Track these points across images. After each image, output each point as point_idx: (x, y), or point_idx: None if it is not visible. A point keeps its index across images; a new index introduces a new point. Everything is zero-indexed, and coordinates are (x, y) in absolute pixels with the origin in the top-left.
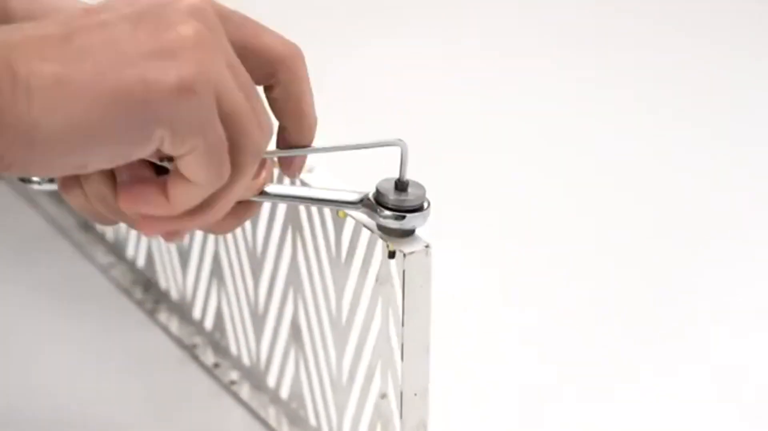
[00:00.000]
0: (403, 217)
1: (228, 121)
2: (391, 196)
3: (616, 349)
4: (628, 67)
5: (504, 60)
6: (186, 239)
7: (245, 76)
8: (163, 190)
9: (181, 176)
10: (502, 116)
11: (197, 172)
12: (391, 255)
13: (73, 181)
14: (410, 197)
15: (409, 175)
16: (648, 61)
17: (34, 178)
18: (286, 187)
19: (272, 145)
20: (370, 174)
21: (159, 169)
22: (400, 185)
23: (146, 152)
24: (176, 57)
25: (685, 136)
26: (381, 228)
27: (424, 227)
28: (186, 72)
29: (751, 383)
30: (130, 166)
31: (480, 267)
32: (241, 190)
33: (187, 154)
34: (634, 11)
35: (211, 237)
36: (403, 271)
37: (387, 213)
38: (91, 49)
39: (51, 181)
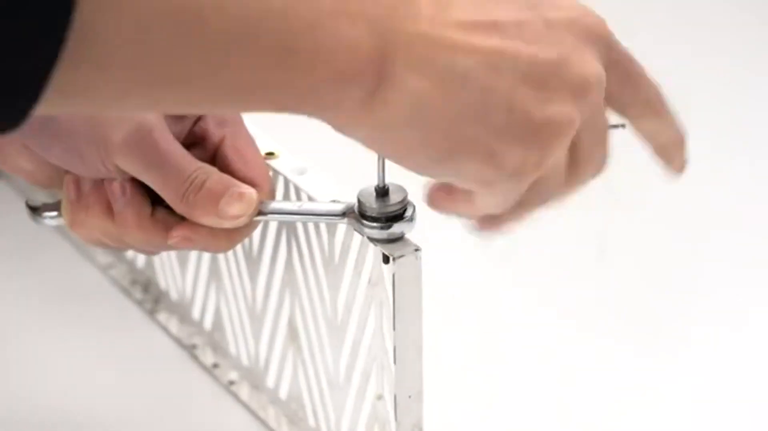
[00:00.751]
0: (389, 226)
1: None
2: (374, 205)
3: (616, 349)
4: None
5: None
6: None
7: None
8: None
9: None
10: None
11: (482, 205)
12: (386, 259)
13: (80, 218)
14: (392, 203)
15: (410, 173)
16: (648, 59)
17: (45, 213)
18: (270, 203)
19: None
20: (368, 172)
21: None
22: (381, 191)
23: (460, 181)
24: (532, 142)
25: (687, 133)
26: (369, 237)
27: (415, 229)
28: (531, 161)
29: (753, 382)
30: (124, 194)
31: (476, 267)
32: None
33: (481, 196)
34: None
35: None
36: (393, 275)
37: (372, 224)
38: (469, 81)
39: (59, 215)
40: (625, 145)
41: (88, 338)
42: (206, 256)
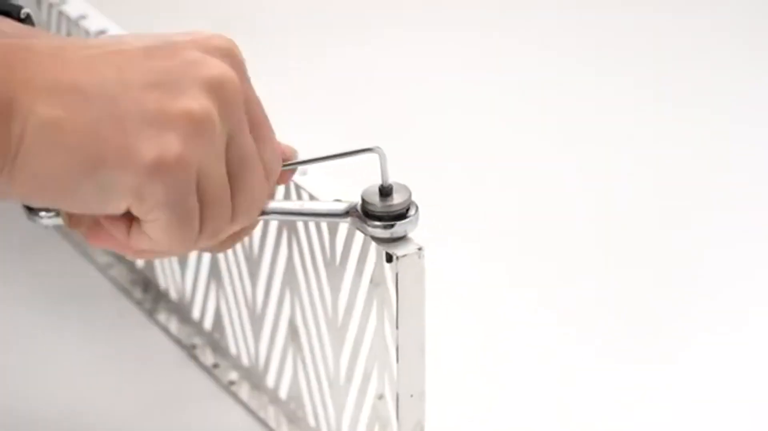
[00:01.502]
0: (392, 225)
1: (202, 201)
2: (378, 204)
3: (619, 348)
4: (628, 61)
5: (505, 57)
6: None
7: (244, 152)
8: (128, 228)
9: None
10: (504, 112)
11: (159, 237)
12: (389, 258)
13: (77, 218)
14: (396, 203)
15: (410, 173)
16: (648, 56)
17: (41, 212)
18: (272, 202)
19: None
20: (369, 172)
21: None
22: (384, 191)
23: (115, 211)
24: (166, 132)
25: (685, 132)
26: (372, 236)
27: (418, 229)
28: (168, 152)
29: (753, 382)
30: None
31: (484, 263)
32: (210, 244)
33: (151, 221)
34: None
35: None
36: (396, 274)
37: (375, 223)
38: (95, 98)
39: (57, 215)
40: (626, 145)
41: (87, 338)
42: (206, 256)
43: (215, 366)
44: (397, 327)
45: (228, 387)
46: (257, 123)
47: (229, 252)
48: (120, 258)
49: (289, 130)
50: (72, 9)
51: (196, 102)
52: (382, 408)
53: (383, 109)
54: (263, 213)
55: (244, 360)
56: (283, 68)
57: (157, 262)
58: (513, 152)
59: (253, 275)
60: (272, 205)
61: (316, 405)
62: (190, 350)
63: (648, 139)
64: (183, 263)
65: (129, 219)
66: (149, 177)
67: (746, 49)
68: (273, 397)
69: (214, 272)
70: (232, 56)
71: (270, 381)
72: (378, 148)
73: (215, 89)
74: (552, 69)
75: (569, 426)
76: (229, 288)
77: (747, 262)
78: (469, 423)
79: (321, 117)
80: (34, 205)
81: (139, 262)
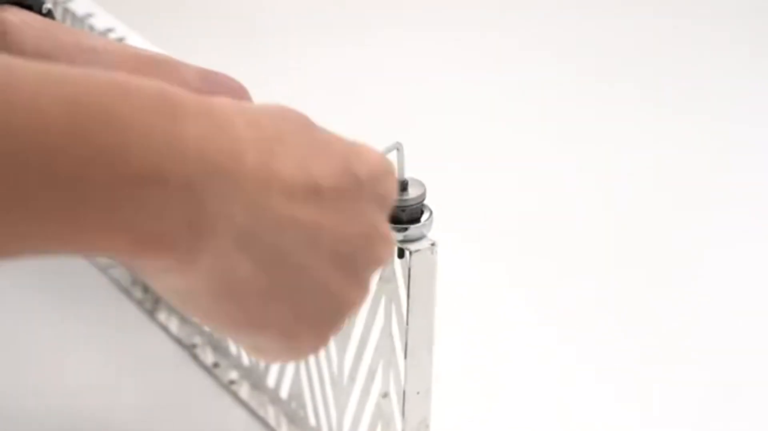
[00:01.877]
0: (406, 228)
1: None
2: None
3: (619, 348)
4: (628, 61)
5: (505, 57)
6: None
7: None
8: None
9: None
10: (504, 112)
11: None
12: (401, 254)
13: None
14: (411, 197)
15: (410, 173)
16: (648, 57)
17: None
18: None
19: None
20: None
21: None
22: (401, 185)
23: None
24: (330, 322)
25: (685, 132)
26: None
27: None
28: (323, 343)
29: (753, 382)
30: None
31: (485, 263)
32: None
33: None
34: (631, 11)
35: None
36: (409, 269)
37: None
38: (288, 254)
39: None
40: (626, 145)
41: (88, 338)
42: None
43: (215, 365)
44: (407, 323)
45: (228, 386)
46: None
47: None
48: None
49: None
50: (78, 7)
51: (365, 291)
52: (385, 407)
53: (383, 109)
54: None
55: (245, 360)
56: (283, 68)
57: None
58: (513, 152)
59: None
60: None
61: (317, 404)
62: (190, 349)
63: (648, 139)
64: None
65: None
66: (299, 356)
67: (746, 50)
68: (273, 397)
69: None
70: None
71: (271, 380)
72: (399, 143)
73: (376, 272)
74: (552, 69)
75: (569, 425)
76: None
77: (747, 262)
78: (469, 422)
79: (321, 117)
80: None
81: None
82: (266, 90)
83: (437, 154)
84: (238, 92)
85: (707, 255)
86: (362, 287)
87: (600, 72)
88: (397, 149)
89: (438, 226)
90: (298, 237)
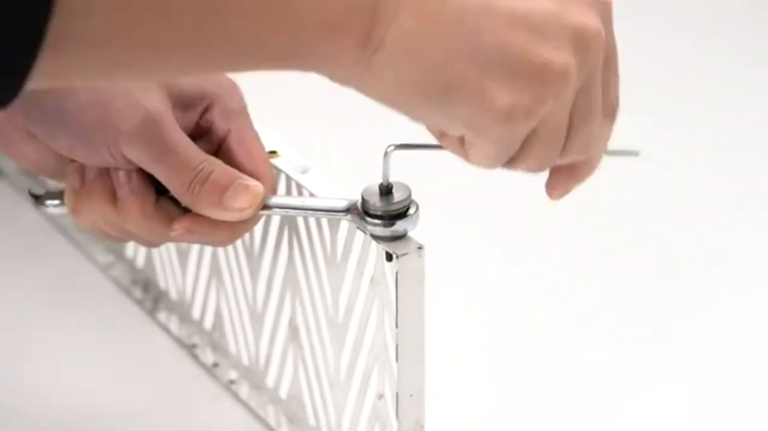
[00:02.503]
0: (392, 223)
1: (534, 137)
2: (377, 203)
3: (619, 348)
4: (628, 62)
5: None
6: None
7: (590, 103)
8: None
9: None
10: None
11: (475, 158)
12: (389, 257)
13: (83, 205)
14: (396, 201)
15: (413, 172)
16: (649, 58)
17: (47, 201)
18: (273, 197)
19: None
20: (370, 171)
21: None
22: (385, 189)
23: (449, 132)
24: (522, 81)
25: (686, 132)
26: (372, 234)
27: (417, 228)
28: (520, 104)
29: (753, 382)
30: (130, 182)
31: (478, 266)
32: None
33: (476, 147)
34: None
35: None
36: (397, 273)
37: (375, 221)
38: (461, 22)
39: (62, 204)
40: (634, 144)
41: (87, 338)
42: (207, 255)
43: (215, 365)
44: (396, 326)
45: (228, 386)
46: (609, 65)
47: (230, 250)
48: (120, 258)
49: (290, 129)
50: None
51: (558, 55)
52: (381, 408)
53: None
54: (265, 207)
55: (244, 360)
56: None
57: (157, 262)
58: None
59: (254, 274)
60: (274, 200)
61: (316, 404)
62: (190, 349)
63: (649, 140)
64: (183, 262)
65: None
66: (497, 122)
67: (747, 51)
68: (273, 396)
69: (215, 271)
70: (603, 2)
71: (270, 380)
72: (390, 147)
73: (579, 42)
74: None
75: (569, 426)
76: (229, 287)
77: (750, 265)
78: (469, 422)
79: (322, 116)
80: (386, 104)
81: (139, 262)
82: (267, 89)
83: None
84: (226, 96)
85: (710, 257)
86: (557, 51)
87: None
88: (385, 153)
89: (439, 225)
90: (470, 2)
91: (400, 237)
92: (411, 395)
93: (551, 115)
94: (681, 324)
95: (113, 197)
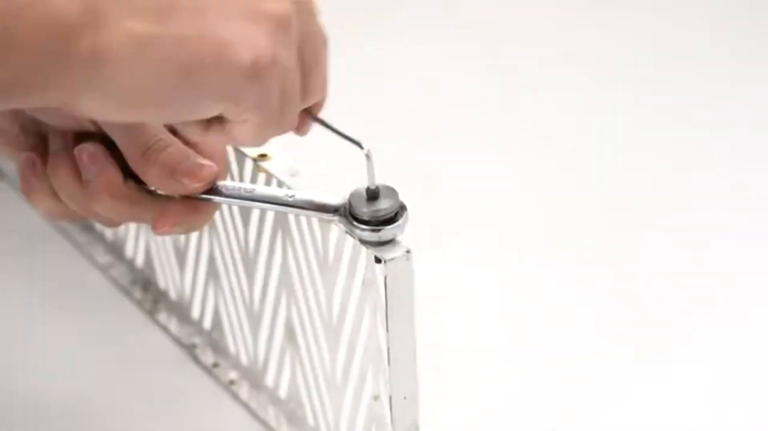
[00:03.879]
0: (379, 229)
1: (282, 97)
2: (364, 208)
3: (615, 355)
4: (631, 66)
5: (506, 59)
6: (182, 238)
7: (315, 40)
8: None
9: (227, 131)
10: (514, 117)
11: (245, 137)
12: (378, 261)
13: (35, 182)
14: (383, 207)
15: (408, 174)
16: (648, 60)
17: None
18: (263, 188)
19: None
20: (360, 175)
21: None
22: (372, 194)
23: (205, 116)
24: (257, 36)
25: (690, 138)
26: (360, 239)
27: (409, 230)
28: (262, 55)
29: (753, 383)
30: (93, 159)
31: (471, 267)
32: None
33: (241, 123)
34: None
35: (206, 237)
36: (385, 277)
37: (363, 226)
38: (182, 7)
39: None
40: (628, 149)
41: (87, 338)
42: (204, 256)
43: (215, 365)
44: (387, 330)
45: (228, 386)
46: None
47: (226, 251)
48: (119, 258)
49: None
50: None
51: (279, 3)
52: (377, 409)
53: (385, 108)
54: (253, 200)
55: (244, 360)
56: None
57: (156, 262)
58: (511, 152)
59: (250, 274)
60: (264, 191)
61: (314, 404)
62: (190, 349)
63: (649, 141)
64: (182, 263)
65: (205, 122)
66: (247, 79)
67: (747, 54)
68: (273, 397)
69: (212, 271)
70: None
71: (269, 380)
72: (368, 150)
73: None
74: (556, 71)
75: (570, 425)
76: (227, 288)
77: (749, 265)
78: (464, 424)
79: (325, 115)
80: (125, 120)
81: (139, 262)
82: None
83: (437, 154)
84: None
85: (709, 257)
86: (274, 2)
87: (599, 70)
88: (367, 156)
89: (434, 226)
90: None
91: (389, 242)
92: (405, 398)
93: (290, 63)
94: (681, 324)
95: (79, 173)
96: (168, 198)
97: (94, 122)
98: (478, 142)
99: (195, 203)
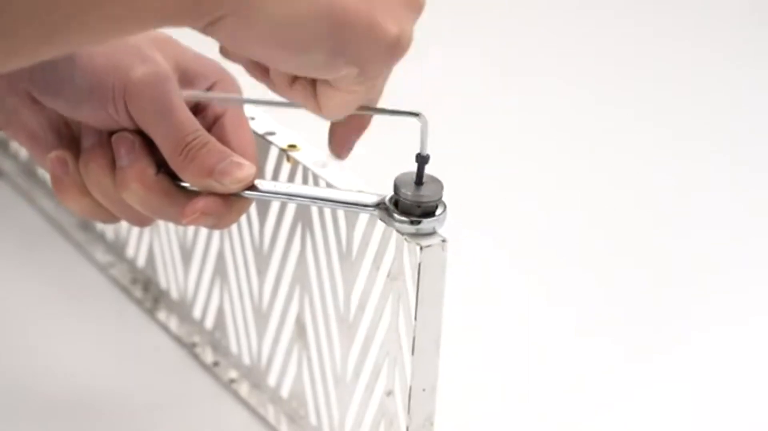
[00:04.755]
0: (419, 221)
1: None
2: (409, 192)
3: (631, 352)
4: (633, 66)
5: (508, 60)
6: (190, 237)
7: None
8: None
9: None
10: (514, 117)
11: (328, 104)
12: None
13: (66, 180)
14: (427, 193)
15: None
16: (650, 59)
17: None
18: (298, 186)
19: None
20: (387, 166)
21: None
22: (421, 161)
23: (327, 75)
24: (404, 15)
25: (690, 138)
26: (398, 230)
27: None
28: (405, 33)
29: (753, 383)
30: (133, 150)
31: (489, 264)
32: None
33: (351, 92)
34: (633, 14)
35: (216, 235)
36: (419, 264)
37: (403, 218)
38: None
39: None
40: (630, 150)
41: (87, 337)
42: (212, 254)
43: (215, 364)
44: (415, 319)
45: (228, 385)
46: None
47: (237, 247)
48: (120, 257)
49: (309, 123)
50: None
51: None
52: (389, 404)
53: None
54: (290, 196)
55: (246, 359)
56: None
57: (158, 262)
58: (522, 153)
59: (261, 271)
60: (298, 189)
61: (319, 403)
62: (190, 348)
63: (649, 141)
64: (186, 261)
65: (292, 77)
66: (387, 52)
67: (747, 58)
68: (273, 395)
69: (220, 269)
70: None
71: (272, 379)
72: (422, 116)
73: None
74: (558, 72)
75: (580, 422)
76: (234, 286)
77: (748, 265)
78: (478, 418)
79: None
80: (255, 55)
81: (140, 262)
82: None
83: (442, 154)
84: (227, 81)
85: (709, 258)
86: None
87: (605, 73)
88: (421, 122)
89: (450, 222)
90: None
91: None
92: (424, 389)
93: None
94: (681, 324)
95: (112, 166)
96: (197, 193)
97: (129, 117)
98: (478, 142)
99: (227, 198)
